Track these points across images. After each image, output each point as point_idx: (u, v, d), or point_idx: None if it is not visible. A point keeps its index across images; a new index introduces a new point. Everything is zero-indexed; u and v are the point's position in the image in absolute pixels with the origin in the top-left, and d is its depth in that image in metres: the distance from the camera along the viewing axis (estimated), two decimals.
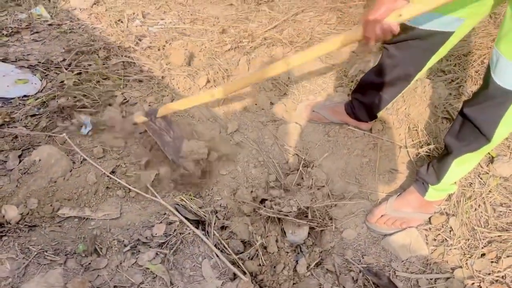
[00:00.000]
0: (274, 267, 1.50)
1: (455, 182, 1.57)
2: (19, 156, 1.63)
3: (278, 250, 1.56)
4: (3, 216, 1.41)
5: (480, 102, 1.27)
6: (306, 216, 1.62)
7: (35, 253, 1.32)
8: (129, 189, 1.57)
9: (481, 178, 1.72)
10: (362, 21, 1.13)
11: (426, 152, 1.84)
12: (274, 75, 1.64)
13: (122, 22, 2.61)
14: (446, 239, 1.57)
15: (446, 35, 1.36)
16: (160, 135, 1.71)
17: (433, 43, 1.41)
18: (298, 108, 2.10)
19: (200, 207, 1.58)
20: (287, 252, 1.54)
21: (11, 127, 1.77)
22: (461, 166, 1.47)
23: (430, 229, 1.62)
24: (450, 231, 1.60)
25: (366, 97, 1.79)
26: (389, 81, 1.64)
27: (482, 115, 1.28)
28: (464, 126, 1.37)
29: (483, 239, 1.53)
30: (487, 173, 1.74)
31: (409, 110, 1.98)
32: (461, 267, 1.48)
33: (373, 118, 1.89)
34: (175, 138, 1.73)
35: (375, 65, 1.70)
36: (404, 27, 1.41)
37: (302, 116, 2.05)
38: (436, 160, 1.55)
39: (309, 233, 1.64)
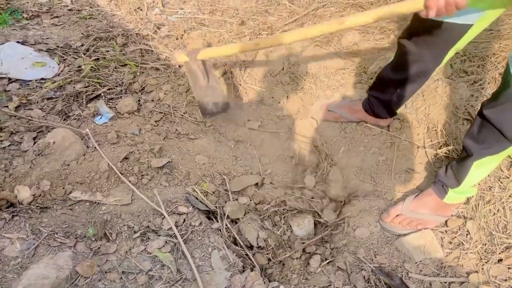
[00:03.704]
0: (283, 264, 1.49)
1: (474, 185, 1.52)
2: (34, 138, 1.63)
3: (288, 245, 1.54)
4: (16, 197, 1.41)
5: (502, 103, 1.22)
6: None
7: (46, 234, 1.32)
8: (142, 175, 1.56)
9: (501, 182, 1.67)
10: None
11: (445, 153, 1.79)
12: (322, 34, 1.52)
13: (141, 10, 2.60)
14: (462, 242, 1.53)
15: (464, 28, 1.30)
16: (196, 78, 1.69)
17: (451, 36, 1.36)
18: (313, 107, 2.06)
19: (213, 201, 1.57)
20: (297, 247, 1.52)
21: (28, 109, 1.77)
22: (481, 169, 1.42)
23: (446, 231, 1.58)
24: (466, 234, 1.55)
25: (384, 95, 1.75)
26: (407, 78, 1.60)
27: (504, 116, 1.23)
28: (484, 128, 1.32)
29: (501, 245, 1.49)
30: (508, 177, 1.69)
31: (429, 110, 1.93)
32: (476, 272, 1.44)
33: (392, 115, 1.85)
34: (208, 86, 1.72)
35: (391, 62, 1.66)
36: (420, 19, 1.37)
37: (317, 116, 2.01)
38: (455, 163, 1.50)
39: (319, 232, 1.62)
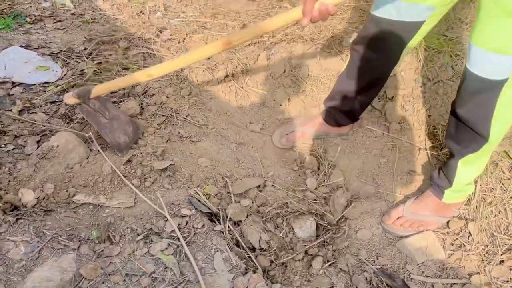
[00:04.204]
0: (286, 266, 1.49)
1: (471, 182, 1.54)
2: (38, 142, 1.64)
3: (290, 247, 1.55)
4: (20, 200, 1.42)
5: (464, 97, 1.25)
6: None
7: (50, 237, 1.33)
8: (144, 178, 1.57)
9: (502, 184, 1.67)
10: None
11: (446, 155, 1.80)
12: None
13: (143, 13, 2.61)
14: (464, 244, 1.54)
15: (417, 25, 1.34)
16: (95, 117, 1.59)
17: (405, 35, 1.39)
18: (273, 138, 1.98)
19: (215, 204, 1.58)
20: (299, 249, 1.53)
21: (31, 113, 1.79)
22: (469, 167, 1.44)
23: (448, 233, 1.59)
24: (468, 236, 1.56)
25: (345, 104, 1.74)
26: (367, 84, 1.62)
27: (471, 113, 1.26)
28: (458, 128, 1.36)
29: (502, 246, 1.49)
30: (509, 179, 1.69)
31: (430, 112, 1.94)
32: (478, 273, 1.44)
33: (355, 121, 1.87)
34: (111, 118, 1.62)
35: (346, 70, 1.67)
36: (374, 20, 1.40)
37: (281, 144, 1.94)
38: (443, 164, 1.54)
39: (321, 234, 1.63)
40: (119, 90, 1.93)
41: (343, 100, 1.73)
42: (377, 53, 1.49)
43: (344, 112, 1.78)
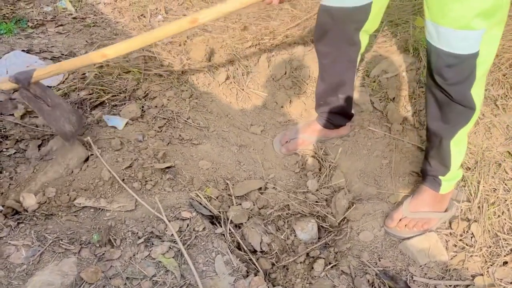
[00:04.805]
0: (287, 268, 1.49)
1: (460, 167, 1.54)
2: (39, 146, 1.65)
3: (292, 249, 1.54)
4: (21, 204, 1.43)
5: (444, 74, 1.24)
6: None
7: (51, 241, 1.33)
8: (145, 181, 1.57)
9: (505, 184, 1.66)
10: None
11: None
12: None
13: (144, 17, 2.62)
14: (467, 245, 1.53)
15: (366, 7, 1.38)
16: (38, 104, 1.47)
17: (357, 19, 1.43)
18: (274, 144, 1.95)
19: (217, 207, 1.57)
20: (301, 252, 1.52)
21: (33, 117, 1.79)
22: (459, 147, 1.45)
23: (450, 234, 1.58)
24: (471, 237, 1.55)
25: (332, 106, 1.77)
26: (339, 78, 1.65)
27: (456, 90, 1.27)
28: (444, 107, 1.35)
29: (506, 247, 1.48)
30: None
31: None
32: (482, 274, 1.43)
33: (350, 117, 1.88)
34: (53, 106, 1.51)
35: (320, 73, 1.71)
36: (325, 11, 1.44)
37: (282, 152, 1.91)
38: (434, 152, 1.51)
39: (323, 237, 1.62)
40: (118, 95, 1.94)
41: (328, 103, 1.77)
42: (336, 46, 1.53)
43: (335, 113, 1.80)
